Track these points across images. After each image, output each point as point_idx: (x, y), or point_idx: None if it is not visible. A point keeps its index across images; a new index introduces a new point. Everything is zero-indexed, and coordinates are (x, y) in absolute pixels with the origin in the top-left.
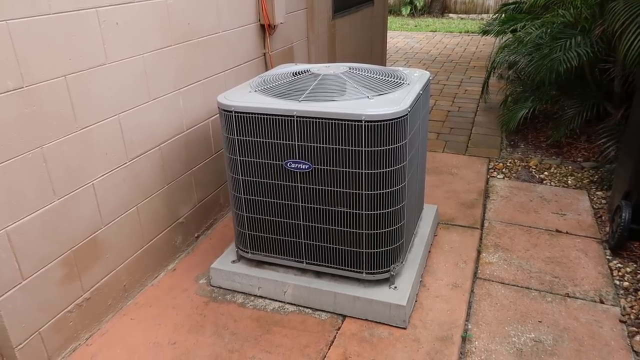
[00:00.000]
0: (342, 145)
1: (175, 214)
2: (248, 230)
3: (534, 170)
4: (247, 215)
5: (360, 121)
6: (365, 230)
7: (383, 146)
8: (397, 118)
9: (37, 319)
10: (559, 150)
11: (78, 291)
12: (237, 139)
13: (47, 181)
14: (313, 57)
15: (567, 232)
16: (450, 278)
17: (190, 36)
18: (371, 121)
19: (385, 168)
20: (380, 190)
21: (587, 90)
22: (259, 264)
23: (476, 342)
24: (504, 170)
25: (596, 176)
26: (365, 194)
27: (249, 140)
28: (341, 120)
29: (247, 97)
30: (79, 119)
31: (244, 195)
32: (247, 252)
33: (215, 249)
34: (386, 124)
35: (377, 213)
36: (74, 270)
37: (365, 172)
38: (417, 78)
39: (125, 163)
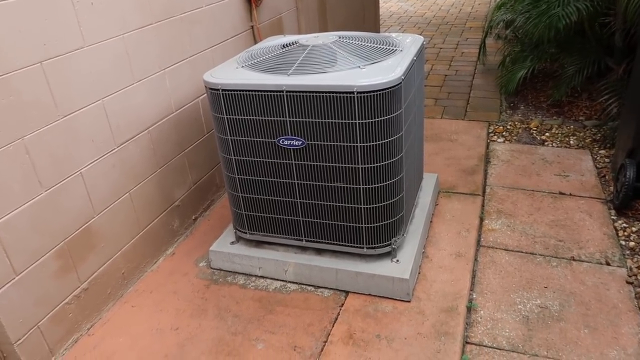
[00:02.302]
0: (334, 119)
1: (171, 198)
2: (245, 211)
3: (534, 131)
4: (242, 196)
5: (352, 92)
6: (364, 204)
7: (377, 117)
8: (390, 87)
9: (35, 313)
10: (560, 109)
11: (75, 282)
12: (227, 118)
13: (31, 173)
14: (303, 28)
15: (570, 194)
16: (453, 247)
17: (172, 12)
18: (363, 92)
19: (381, 140)
20: (376, 163)
21: (587, 46)
22: (259, 244)
23: (481, 312)
24: (504, 133)
25: (599, 135)
26: (361, 167)
27: (238, 118)
28: (332, 92)
29: (234, 73)
30: (60, 106)
31: (238, 175)
32: (246, 233)
33: (214, 230)
34: (379, 94)
35: (374, 187)
36: (69, 262)
37: (360, 146)
38: (410, 44)
39: (114, 149)
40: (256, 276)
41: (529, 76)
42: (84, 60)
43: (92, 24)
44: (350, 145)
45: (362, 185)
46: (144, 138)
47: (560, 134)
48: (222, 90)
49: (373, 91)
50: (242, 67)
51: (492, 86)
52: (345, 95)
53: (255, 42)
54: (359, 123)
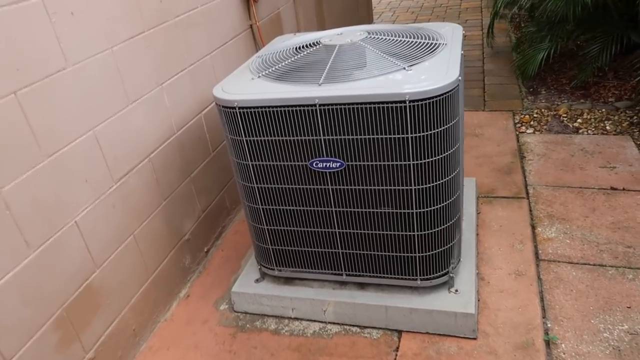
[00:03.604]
0: (381, 134)
1: (180, 232)
2: (271, 245)
3: (565, 118)
4: (268, 228)
5: (404, 101)
6: (417, 231)
7: (433, 129)
8: (448, 92)
9: None
10: (586, 91)
11: (79, 353)
12: (246, 141)
13: (15, 232)
14: (302, 22)
15: (623, 189)
16: (510, 265)
17: (164, 17)
18: (417, 100)
19: (437, 155)
20: (431, 183)
21: (609, 21)
22: (288, 280)
23: (563, 345)
24: (532, 123)
25: (635, 118)
26: (414, 189)
27: (261, 140)
28: (377, 103)
29: (251, 86)
30: (43, 144)
31: (262, 205)
32: (273, 269)
33: (230, 262)
34: (436, 101)
35: (429, 210)
36: (69, 331)
37: (412, 164)
38: (451, 35)
39: (112, 186)
40: (289, 318)
41: (548, 58)
42: (68, 84)
43: (75, 38)
44: (400, 165)
45: (415, 209)
46: (145, 168)
47: (593, 120)
48: (240, 108)
49: (428, 98)
50: (259, 76)
51: (506, 71)
52: (394, 105)
53: (256, 42)
54: (411, 137)
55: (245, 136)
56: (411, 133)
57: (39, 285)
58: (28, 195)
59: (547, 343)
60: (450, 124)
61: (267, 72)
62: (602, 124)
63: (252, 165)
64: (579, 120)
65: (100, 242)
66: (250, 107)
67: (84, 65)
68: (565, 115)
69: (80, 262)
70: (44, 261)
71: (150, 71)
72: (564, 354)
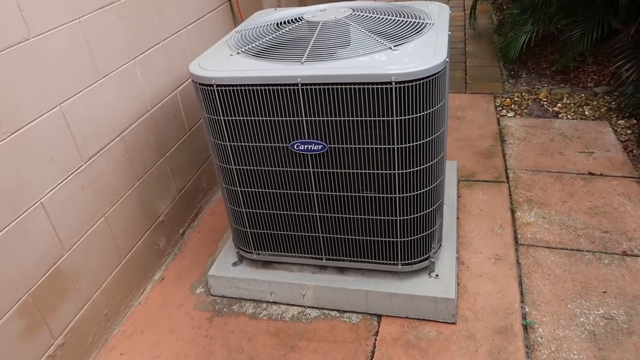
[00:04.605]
0: (365, 116)
1: (154, 213)
2: (250, 229)
3: (545, 103)
4: (246, 211)
5: (389, 82)
6: (399, 216)
7: (419, 112)
8: (435, 74)
9: None
10: (566, 76)
11: (47, 340)
12: (224, 120)
13: None
14: None
15: (601, 174)
16: (490, 249)
17: None
18: (404, 81)
19: (422, 139)
20: (415, 167)
21: (590, 6)
22: (267, 264)
23: (540, 330)
24: (512, 106)
25: (613, 103)
26: (398, 173)
27: (239, 120)
28: (362, 84)
29: (230, 62)
30: (4, 121)
31: (240, 187)
32: (252, 253)
33: (206, 244)
34: (423, 82)
35: (412, 195)
36: (36, 317)
37: (397, 147)
38: (437, 14)
39: (81, 166)
40: (267, 302)
41: (530, 41)
42: (32, 56)
43: (38, 6)
44: (384, 148)
45: (398, 194)
46: (117, 147)
47: (572, 104)
48: (217, 85)
49: (415, 80)
50: (238, 53)
51: (488, 53)
52: (380, 86)
53: (235, 17)
54: (396, 120)
55: (223, 115)
56: (396, 116)
57: (1, 270)
58: None
59: (525, 327)
60: (437, 106)
61: (246, 48)
62: (581, 109)
63: (230, 146)
64: (558, 105)
65: (69, 224)
66: (228, 85)
67: (49, 36)
68: (545, 99)
69: (47, 245)
70: (6, 245)
71: (122, 44)
72: (541, 338)
